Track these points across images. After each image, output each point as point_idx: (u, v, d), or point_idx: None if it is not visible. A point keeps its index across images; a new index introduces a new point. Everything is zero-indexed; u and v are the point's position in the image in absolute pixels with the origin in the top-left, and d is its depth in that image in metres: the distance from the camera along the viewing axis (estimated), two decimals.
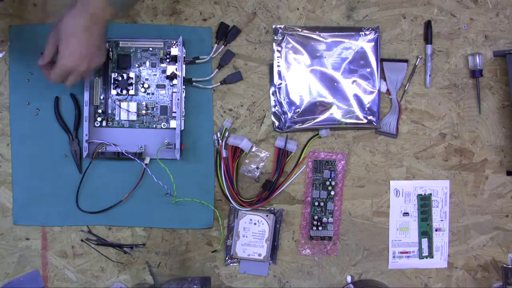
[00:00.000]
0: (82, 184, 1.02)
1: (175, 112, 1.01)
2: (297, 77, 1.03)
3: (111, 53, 1.01)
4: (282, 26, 1.03)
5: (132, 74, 1.01)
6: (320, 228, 1.04)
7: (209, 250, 1.04)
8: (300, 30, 1.03)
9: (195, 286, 0.93)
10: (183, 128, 1.01)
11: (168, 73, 1.02)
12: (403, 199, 1.06)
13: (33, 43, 1.02)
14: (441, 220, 1.06)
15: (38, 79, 1.02)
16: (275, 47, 1.03)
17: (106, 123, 1.02)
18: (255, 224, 1.02)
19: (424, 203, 1.06)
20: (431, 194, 1.06)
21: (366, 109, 1.03)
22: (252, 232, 1.02)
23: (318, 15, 1.05)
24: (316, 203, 1.04)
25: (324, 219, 1.04)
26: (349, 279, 1.05)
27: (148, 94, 1.02)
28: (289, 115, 1.03)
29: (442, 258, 1.06)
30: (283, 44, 1.03)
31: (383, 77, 1.05)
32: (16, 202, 1.02)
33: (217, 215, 1.03)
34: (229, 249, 1.04)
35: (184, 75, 1.01)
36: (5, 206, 1.02)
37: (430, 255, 1.06)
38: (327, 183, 1.04)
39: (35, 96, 1.02)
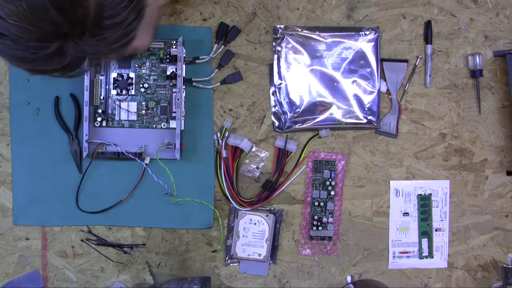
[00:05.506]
0: (82, 184, 1.02)
1: (175, 112, 1.01)
2: (297, 77, 1.03)
3: None
4: (282, 26, 1.03)
5: (132, 74, 1.01)
6: (320, 228, 1.04)
7: (209, 250, 1.04)
8: (300, 30, 1.03)
9: (195, 286, 0.93)
10: (183, 128, 1.01)
11: (168, 73, 1.02)
12: (403, 199, 1.06)
13: None
14: (441, 220, 1.06)
15: (38, 79, 1.02)
16: (275, 47, 1.03)
17: (106, 123, 1.02)
18: (255, 224, 1.02)
19: (424, 203, 1.06)
20: (431, 194, 1.06)
21: (366, 109, 1.03)
22: (252, 232, 1.02)
23: (318, 15, 1.05)
24: (316, 203, 1.04)
25: (324, 219, 1.04)
26: (349, 279, 1.05)
27: (148, 94, 1.02)
28: (289, 115, 1.03)
29: (442, 258, 1.06)
30: (283, 44, 1.03)
31: (383, 77, 1.05)
32: (16, 202, 1.02)
33: (217, 215, 1.03)
34: (229, 249, 1.04)
35: (184, 75, 1.01)
36: (5, 206, 1.02)
37: (430, 255, 1.06)
38: (327, 183, 1.04)
39: (35, 96, 1.02)
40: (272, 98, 1.04)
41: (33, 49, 0.58)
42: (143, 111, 1.02)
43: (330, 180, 1.04)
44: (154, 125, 1.02)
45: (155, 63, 1.02)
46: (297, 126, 1.03)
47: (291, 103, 1.03)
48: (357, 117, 1.03)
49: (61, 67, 0.63)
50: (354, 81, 1.03)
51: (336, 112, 1.03)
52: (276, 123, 1.04)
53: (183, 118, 1.01)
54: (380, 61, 1.04)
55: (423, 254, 1.06)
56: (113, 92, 1.01)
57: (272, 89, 1.04)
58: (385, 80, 1.05)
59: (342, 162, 1.04)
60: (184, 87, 1.01)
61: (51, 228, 1.03)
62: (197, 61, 1.03)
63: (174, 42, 1.01)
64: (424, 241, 1.06)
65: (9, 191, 1.02)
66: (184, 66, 1.01)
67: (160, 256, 1.04)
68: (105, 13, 0.58)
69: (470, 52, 1.06)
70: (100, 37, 0.59)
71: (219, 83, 1.03)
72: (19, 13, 0.54)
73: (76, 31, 0.58)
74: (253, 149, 1.04)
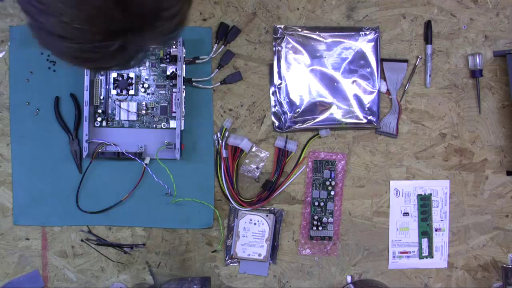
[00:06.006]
0: (82, 184, 1.02)
1: (175, 112, 1.01)
2: (297, 77, 1.03)
3: None
4: (282, 26, 1.03)
5: (132, 74, 1.01)
6: (320, 228, 1.04)
7: (209, 250, 1.04)
8: (300, 30, 1.03)
9: (195, 286, 0.93)
10: (183, 128, 1.01)
11: (168, 73, 1.02)
12: (403, 199, 1.06)
13: (33, 43, 1.01)
14: (441, 220, 1.06)
15: (38, 79, 1.02)
16: (275, 47, 1.03)
17: (106, 123, 1.02)
18: (255, 224, 1.02)
19: (424, 203, 1.06)
20: (431, 194, 1.06)
21: (366, 109, 1.03)
22: (252, 232, 1.02)
23: (318, 15, 1.05)
24: (316, 203, 1.04)
25: (324, 219, 1.04)
26: (349, 279, 1.05)
27: (148, 94, 1.02)
28: (289, 115, 1.03)
29: (442, 258, 1.06)
30: (283, 44, 1.03)
31: (383, 77, 1.05)
32: (16, 202, 1.02)
33: (217, 215, 1.03)
34: (229, 249, 1.04)
35: (184, 75, 1.01)
36: (5, 206, 1.02)
37: (430, 255, 1.06)
38: (327, 183, 1.04)
39: (35, 96, 1.02)
40: (272, 98, 1.04)
41: (97, 49, 0.59)
42: (143, 111, 1.02)
43: (330, 180, 1.04)
44: (154, 125, 1.02)
45: (155, 63, 1.02)
46: (297, 126, 1.03)
47: (291, 103, 1.03)
48: (357, 117, 1.03)
49: (122, 62, 0.64)
50: (354, 81, 1.03)
51: (336, 112, 1.03)
52: (276, 123, 1.04)
53: (183, 118, 1.01)
54: (380, 61, 1.04)
55: (423, 254, 1.06)
56: (113, 92, 1.01)
57: (272, 89, 1.04)
58: (385, 80, 1.05)
59: (342, 162, 1.04)
60: (184, 87, 1.01)
61: (51, 228, 1.03)
62: (197, 61, 1.03)
63: (174, 42, 1.01)
64: (424, 241, 1.06)
65: (9, 191, 1.02)
66: (184, 66, 1.01)
67: (160, 256, 1.04)
68: (163, 5, 0.59)
69: (470, 52, 1.06)
70: (159, 29, 0.61)
71: (219, 83, 1.03)
72: (83, 17, 0.55)
73: (137, 26, 0.59)
74: (253, 149, 1.04)
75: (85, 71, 0.97)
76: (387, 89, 1.05)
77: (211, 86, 1.03)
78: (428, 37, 1.05)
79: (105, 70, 0.64)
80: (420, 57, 1.05)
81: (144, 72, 1.02)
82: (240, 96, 1.04)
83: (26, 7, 0.57)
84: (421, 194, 1.06)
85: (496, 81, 1.06)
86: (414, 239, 1.06)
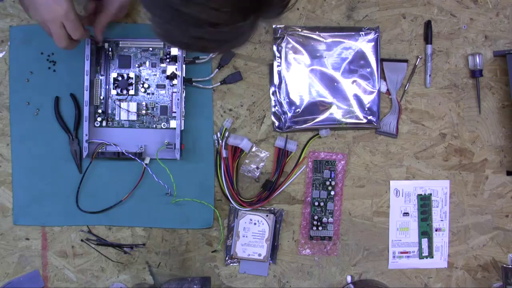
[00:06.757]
0: (82, 184, 1.02)
1: (175, 112, 1.01)
2: (297, 77, 1.03)
3: (110, 53, 1.01)
4: (282, 26, 1.03)
5: (132, 74, 1.01)
6: (320, 228, 1.04)
7: (209, 250, 1.04)
8: (300, 30, 1.03)
9: (195, 286, 0.93)
10: (183, 128, 1.01)
11: (168, 73, 1.02)
12: (403, 199, 1.06)
13: (33, 43, 1.02)
14: (441, 220, 1.06)
15: (38, 79, 1.02)
16: (275, 47, 1.03)
17: (106, 123, 1.02)
18: (255, 224, 1.02)
19: (424, 203, 1.06)
20: (431, 194, 1.06)
21: (366, 109, 1.03)
22: (252, 232, 1.02)
23: (318, 15, 1.05)
24: (316, 203, 1.04)
25: (324, 219, 1.04)
26: (349, 279, 1.05)
27: (148, 94, 1.02)
28: (289, 115, 1.03)
29: (442, 258, 1.06)
30: (283, 44, 1.03)
31: (383, 77, 1.05)
32: (16, 202, 1.02)
33: (217, 215, 1.03)
34: (229, 249, 1.04)
35: (184, 75, 1.01)
36: (5, 206, 1.02)
37: (430, 255, 1.06)
38: (327, 183, 1.04)
39: (35, 96, 1.02)
40: (272, 98, 1.04)
41: (236, 29, 0.60)
42: (143, 111, 1.02)
43: (330, 180, 1.04)
44: (154, 125, 1.02)
45: (155, 63, 1.02)
46: (297, 126, 1.03)
47: (291, 103, 1.03)
48: (357, 117, 1.03)
49: (247, 39, 0.65)
50: (354, 81, 1.03)
51: (336, 112, 1.03)
52: (276, 123, 1.04)
53: (183, 118, 1.01)
54: (380, 61, 1.04)
55: (423, 254, 1.06)
56: (113, 92, 1.01)
57: (272, 89, 1.04)
58: (385, 80, 1.05)
59: (342, 162, 1.04)
60: (184, 87, 1.01)
61: (51, 228, 1.03)
62: (197, 61, 1.03)
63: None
64: (424, 241, 1.06)
65: (9, 191, 1.02)
66: (184, 66, 1.01)
67: (160, 256, 1.04)
68: None
69: (470, 52, 1.06)
70: (278, 5, 0.62)
71: (219, 83, 1.03)
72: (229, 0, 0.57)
73: (265, 2, 0.60)
74: (253, 149, 1.04)
75: (85, 71, 0.97)
76: (387, 89, 1.05)
77: (211, 86, 1.03)
78: (428, 37, 1.05)
79: (231, 49, 0.66)
80: (420, 57, 1.05)
81: (144, 72, 1.02)
82: (240, 96, 1.04)
83: (166, 2, 0.58)
84: (421, 194, 1.06)
85: (496, 81, 1.06)
86: (414, 239, 1.06)
